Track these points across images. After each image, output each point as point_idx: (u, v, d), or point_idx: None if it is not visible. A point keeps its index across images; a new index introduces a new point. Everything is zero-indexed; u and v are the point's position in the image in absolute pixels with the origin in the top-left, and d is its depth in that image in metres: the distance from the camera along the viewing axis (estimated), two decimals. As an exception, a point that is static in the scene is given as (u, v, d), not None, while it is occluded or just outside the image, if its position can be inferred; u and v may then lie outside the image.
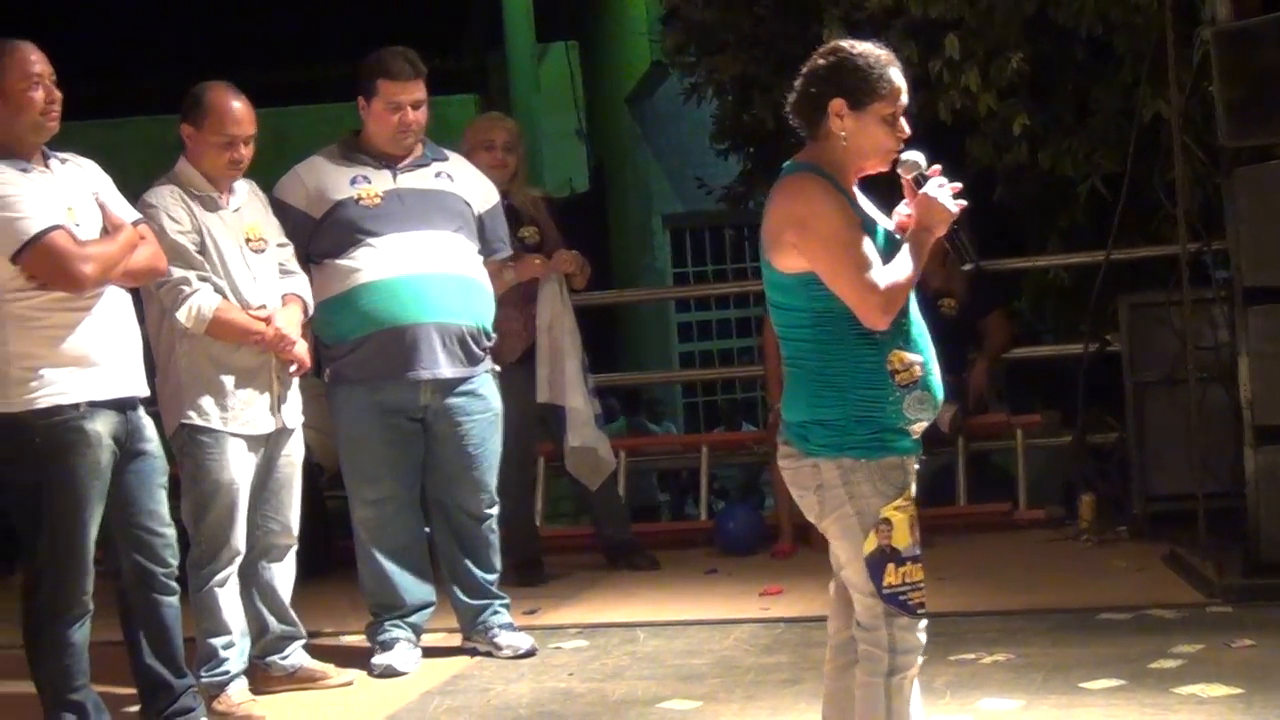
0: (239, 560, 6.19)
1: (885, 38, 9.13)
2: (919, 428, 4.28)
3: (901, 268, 4.22)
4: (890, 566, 4.20)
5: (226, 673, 6.14)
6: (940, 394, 4.31)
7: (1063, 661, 6.07)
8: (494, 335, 6.85)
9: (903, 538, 4.21)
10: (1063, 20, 9.34)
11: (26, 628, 5.54)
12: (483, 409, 6.77)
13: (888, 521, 4.20)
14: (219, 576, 6.12)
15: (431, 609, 6.84)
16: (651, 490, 14.63)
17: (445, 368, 6.61)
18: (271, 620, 6.38)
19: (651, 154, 18.55)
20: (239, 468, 6.14)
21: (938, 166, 4.36)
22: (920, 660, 4.31)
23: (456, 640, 6.92)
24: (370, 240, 6.55)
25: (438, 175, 6.80)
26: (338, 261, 6.58)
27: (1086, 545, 8.44)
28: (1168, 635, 6.34)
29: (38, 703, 5.57)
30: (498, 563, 6.91)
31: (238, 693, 6.15)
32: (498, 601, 6.85)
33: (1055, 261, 9.94)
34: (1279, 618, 6.47)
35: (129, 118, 15.82)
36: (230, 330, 6.11)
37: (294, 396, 6.36)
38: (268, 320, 6.17)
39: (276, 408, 6.24)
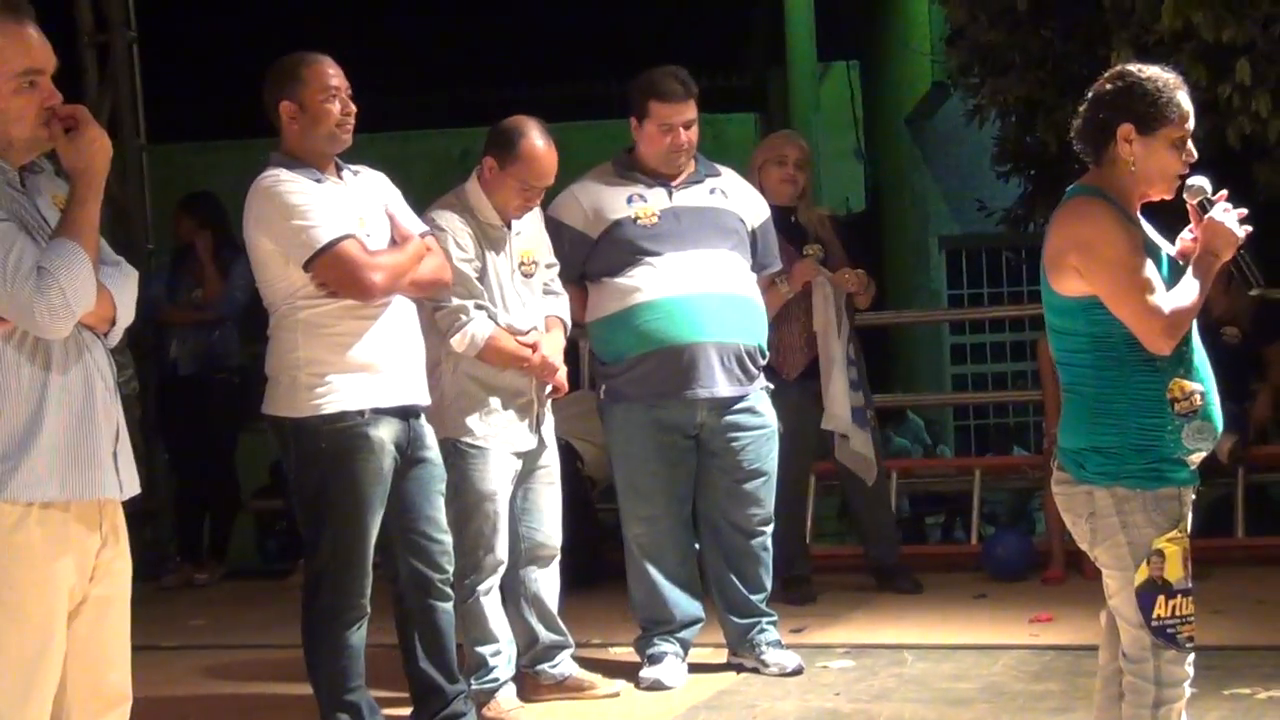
0: (502, 570, 6.27)
1: (1174, 61, 9.06)
2: (1197, 458, 4.21)
3: (1186, 292, 4.16)
4: (1160, 599, 4.15)
5: (496, 680, 6.23)
6: (1220, 424, 4.24)
7: (1344, 700, 5.93)
8: (768, 353, 6.86)
9: (1175, 570, 4.15)
10: (1358, 44, 9.13)
11: (306, 628, 5.66)
12: (759, 426, 6.78)
13: (1160, 553, 4.14)
14: (483, 586, 6.21)
15: (700, 625, 6.87)
16: (919, 512, 14.54)
17: (722, 386, 6.62)
18: (541, 629, 6.45)
19: (930, 175, 18.43)
20: (501, 479, 6.23)
21: (1224, 192, 4.29)
22: (1188, 694, 4.24)
23: (723, 656, 6.92)
24: (648, 259, 6.59)
25: (711, 192, 6.81)
26: (616, 280, 6.64)
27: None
28: None
29: (314, 702, 5.70)
30: (768, 581, 6.91)
31: (506, 700, 6.23)
32: (765, 619, 6.85)
33: (1345, 291, 9.70)
34: None
35: (416, 131, 16.11)
36: (500, 356, 6.22)
37: (549, 416, 6.47)
38: (534, 347, 6.27)
39: (536, 427, 6.34)
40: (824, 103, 18.95)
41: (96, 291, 3.95)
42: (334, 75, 5.64)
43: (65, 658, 3.97)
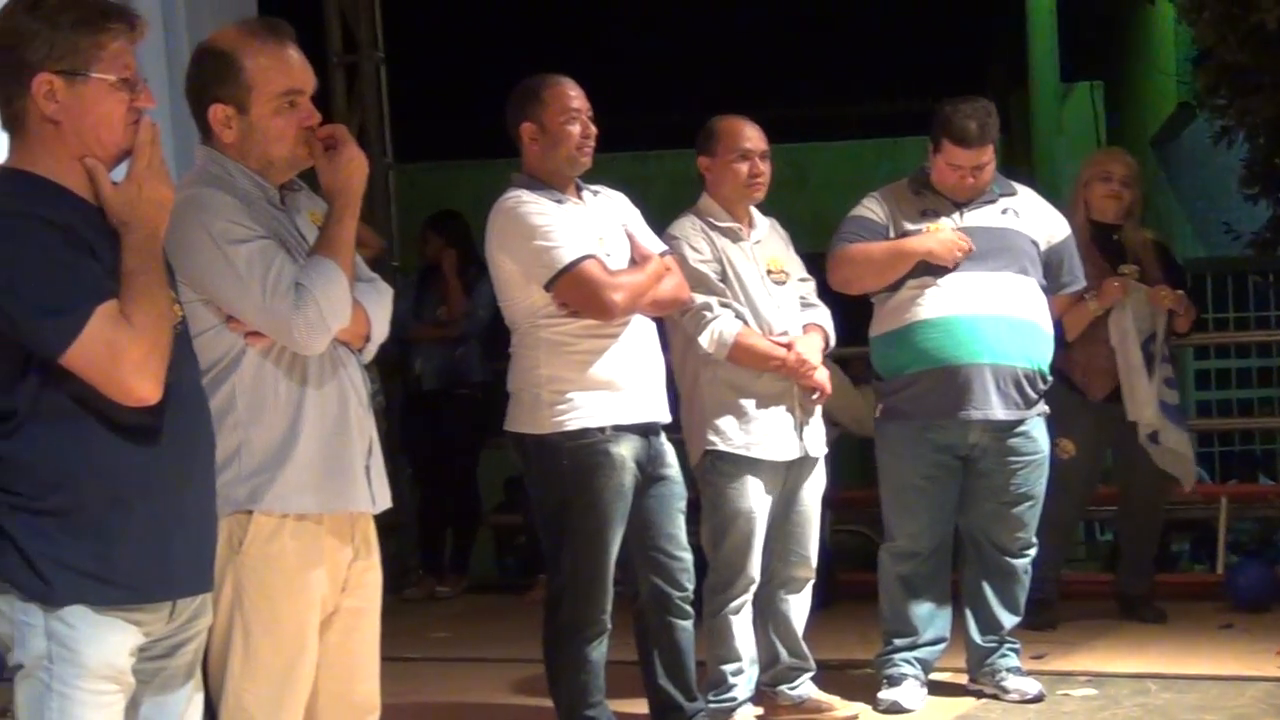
0: (754, 588, 6.27)
1: None
2: None
3: None
4: None
5: (734, 699, 6.23)
6: None
7: None
8: (1050, 378, 6.75)
9: None
10: None
11: (547, 643, 5.71)
12: (1033, 451, 6.69)
13: None
14: (734, 604, 6.22)
15: (944, 645, 6.81)
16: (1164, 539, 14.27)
17: (997, 409, 6.54)
18: (783, 651, 6.44)
19: (1175, 198, 18.15)
20: (759, 497, 6.23)
21: None
22: None
23: (962, 679, 6.87)
24: (931, 277, 6.54)
25: (1004, 212, 6.72)
26: (898, 296, 6.60)
27: None
28: None
29: (554, 717, 5.75)
30: (1022, 606, 6.84)
31: (743, 718, 6.24)
32: (1008, 644, 6.78)
33: None
34: None
35: (654, 151, 16.19)
36: (751, 356, 6.20)
37: (817, 425, 6.41)
38: (789, 346, 6.25)
39: (799, 433, 6.31)
40: (1067, 124, 18.71)
41: (352, 308, 4.03)
42: (575, 97, 5.70)
43: (317, 667, 4.05)
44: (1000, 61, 18.96)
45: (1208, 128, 12.27)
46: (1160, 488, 8.42)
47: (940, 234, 6.51)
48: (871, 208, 6.72)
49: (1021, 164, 17.40)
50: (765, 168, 6.35)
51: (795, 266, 6.53)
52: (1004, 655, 6.75)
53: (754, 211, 6.48)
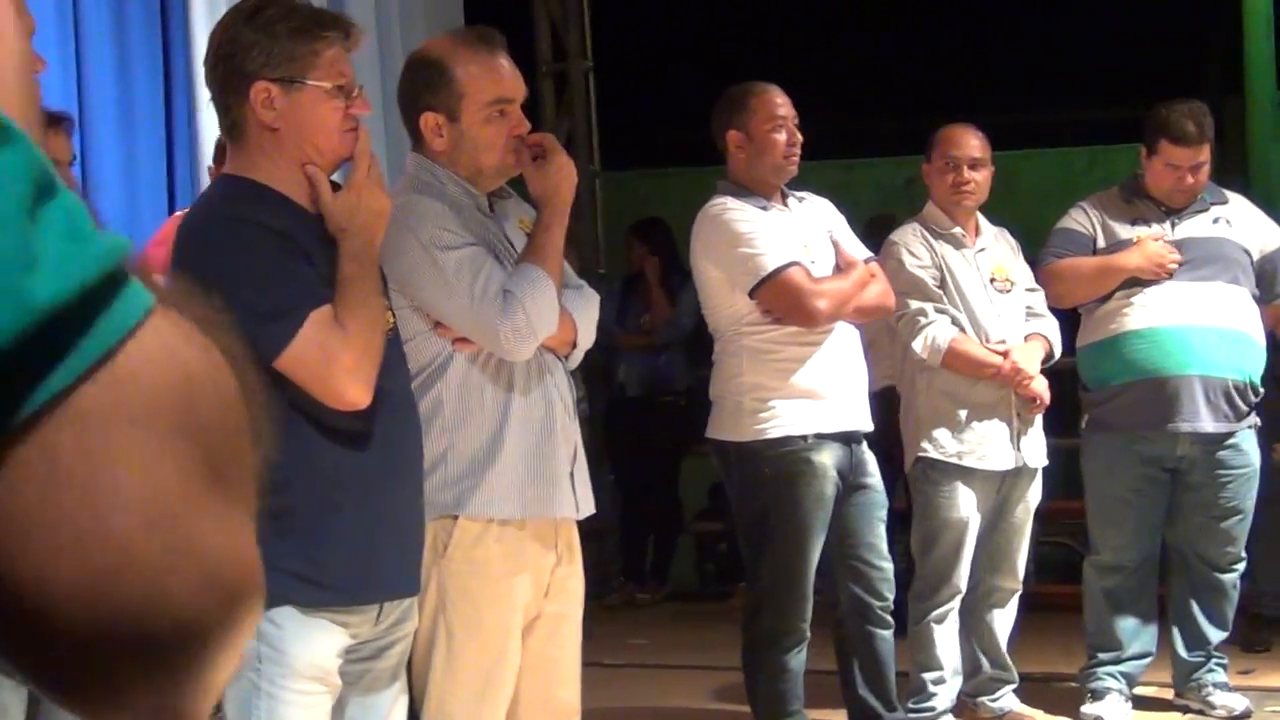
0: (959, 598, 6.25)
1: None
2: None
3: None
4: None
5: (933, 709, 6.21)
6: None
7: None
8: (1261, 390, 6.65)
9: None
10: None
11: (746, 650, 5.74)
12: (1243, 464, 6.59)
13: None
14: (937, 612, 6.21)
15: (1149, 660, 6.73)
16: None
17: (1206, 421, 6.46)
18: (985, 662, 6.42)
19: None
20: (969, 507, 6.21)
21: None
22: None
23: (1168, 694, 6.79)
24: (1141, 287, 6.48)
25: (1215, 221, 6.63)
26: (1106, 306, 6.55)
27: None
28: None
29: (754, 723, 5.77)
30: (1229, 621, 6.75)
31: (943, 728, 6.24)
32: (1215, 659, 6.68)
33: None
34: None
35: (862, 159, 16.14)
36: (966, 362, 6.19)
37: (1037, 435, 6.37)
38: (1005, 354, 6.22)
39: (1016, 444, 6.27)
40: (1286, 131, 18.40)
41: (559, 315, 4.07)
42: (781, 105, 5.71)
43: (519, 672, 4.09)
44: (1215, 68, 18.67)
45: None
46: None
47: (1147, 248, 6.43)
48: (1079, 219, 6.67)
49: (1236, 173, 17.04)
50: (976, 175, 6.33)
51: (1023, 276, 6.50)
52: (1211, 670, 6.66)
53: (981, 219, 6.46)
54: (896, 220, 7.28)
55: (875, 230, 7.86)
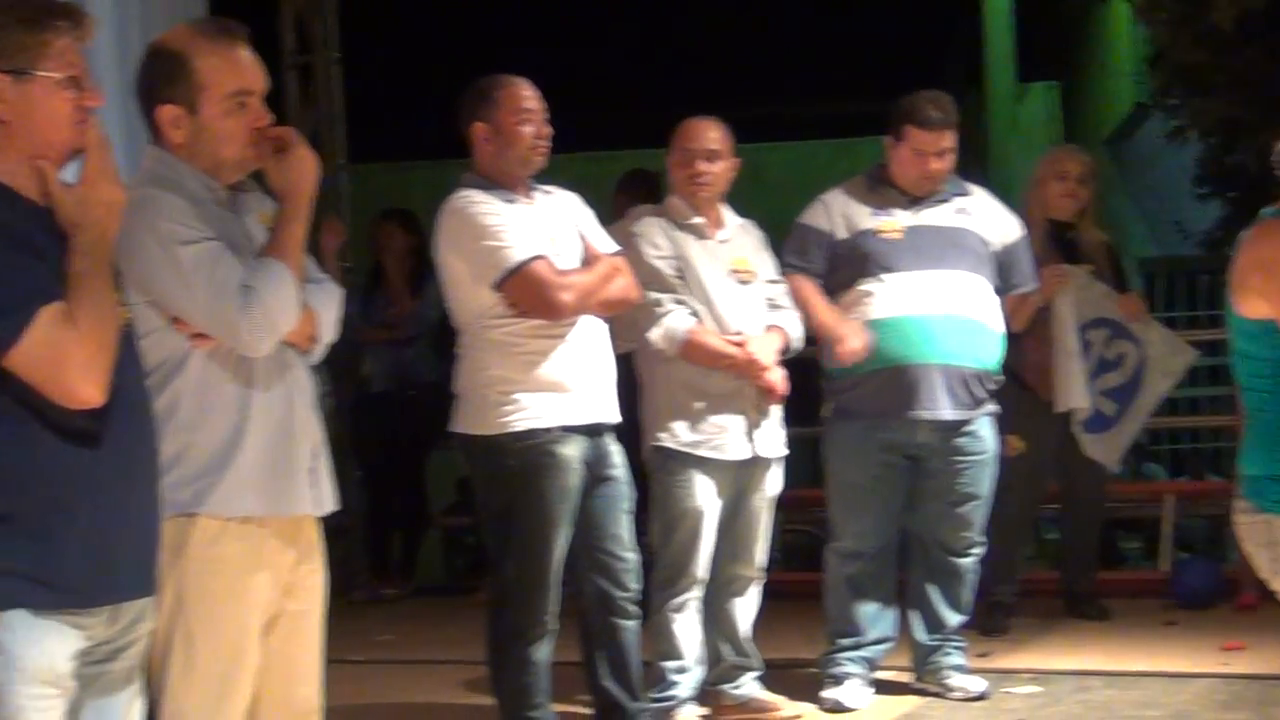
0: (699, 588, 6.30)
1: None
2: None
3: None
4: None
5: (674, 698, 6.25)
6: None
7: None
8: (999, 378, 6.81)
9: None
10: None
11: (491, 645, 5.74)
12: (980, 450, 6.74)
13: None
14: (676, 601, 6.25)
15: (889, 645, 6.85)
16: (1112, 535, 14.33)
17: (946, 409, 6.59)
18: (727, 650, 6.47)
19: (1129, 196, 18.24)
20: (706, 496, 6.26)
21: None
22: None
23: (907, 678, 6.91)
24: (884, 275, 6.58)
25: (958, 211, 6.77)
26: (848, 295, 6.64)
27: None
28: None
29: (498, 717, 5.76)
30: (968, 605, 6.89)
31: (685, 718, 6.27)
32: (953, 643, 6.82)
33: None
34: None
35: (610, 151, 16.19)
36: (702, 353, 6.23)
37: (773, 426, 6.43)
38: (741, 345, 6.27)
39: (752, 434, 6.32)
40: (1022, 124, 18.81)
41: (300, 310, 4.03)
42: (529, 97, 5.71)
43: (259, 671, 4.05)
44: (956, 62, 19.05)
45: (1161, 128, 12.35)
46: (1100, 484, 8.51)
47: (851, 343, 6.47)
48: (817, 217, 6.75)
49: (977, 164, 17.47)
50: (712, 167, 6.37)
51: (765, 268, 6.55)
52: (949, 654, 6.80)
53: (726, 210, 6.51)
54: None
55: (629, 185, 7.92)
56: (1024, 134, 18.63)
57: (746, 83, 16.51)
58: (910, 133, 6.64)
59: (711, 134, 6.42)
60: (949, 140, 6.67)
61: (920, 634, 6.82)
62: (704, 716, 6.39)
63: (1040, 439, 8.00)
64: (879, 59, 16.30)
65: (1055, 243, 8.05)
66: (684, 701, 6.28)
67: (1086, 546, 8.57)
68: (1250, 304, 4.18)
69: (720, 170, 6.41)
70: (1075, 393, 7.99)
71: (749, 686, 6.52)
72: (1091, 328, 8.11)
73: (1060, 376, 7.98)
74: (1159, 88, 11.99)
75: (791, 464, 6.74)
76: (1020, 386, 7.83)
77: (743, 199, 6.74)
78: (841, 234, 6.67)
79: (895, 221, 6.66)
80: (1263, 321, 4.16)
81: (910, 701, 6.73)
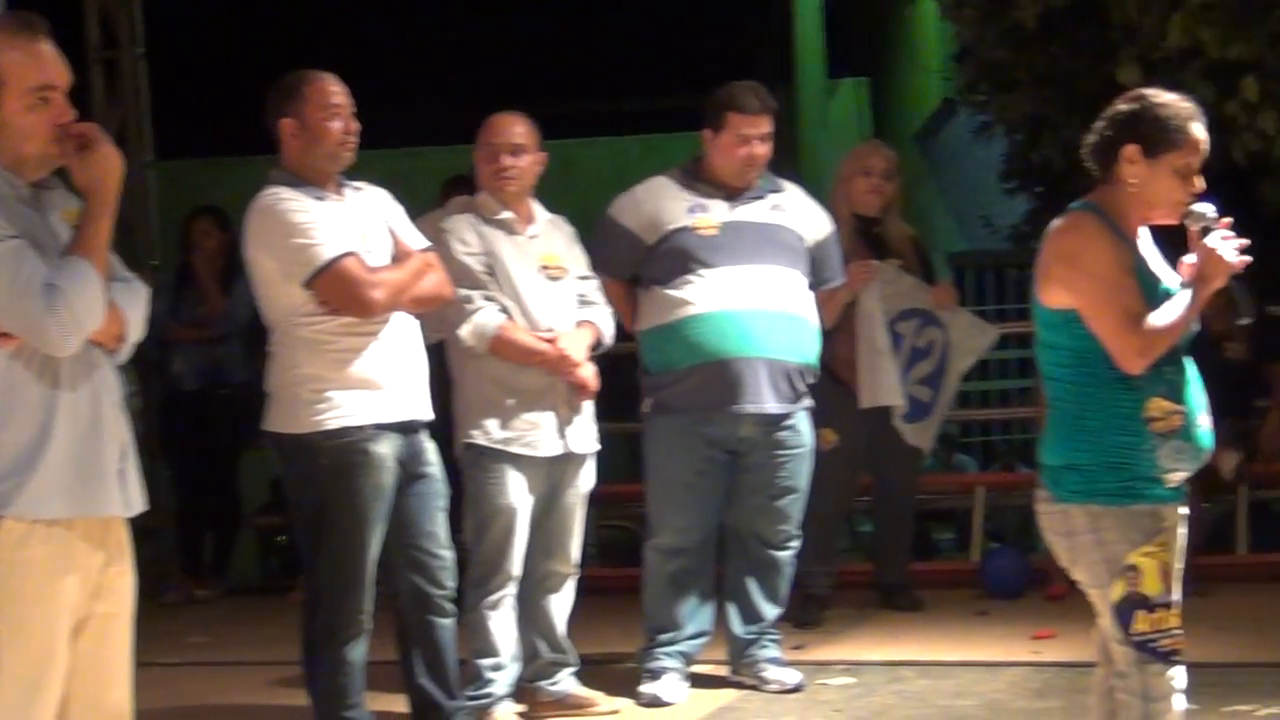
0: (514, 585, 6.28)
1: (1181, 79, 9.08)
2: (1176, 477, 4.24)
3: (1166, 315, 4.19)
4: (1140, 614, 4.20)
5: (490, 695, 6.23)
6: (1206, 445, 4.26)
7: (1343, 719, 5.94)
8: (819, 372, 6.86)
9: (1153, 584, 4.20)
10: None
11: (305, 645, 5.68)
12: (799, 444, 6.79)
13: (1135, 568, 4.19)
14: (491, 599, 6.23)
15: (706, 639, 6.87)
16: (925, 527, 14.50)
17: (769, 403, 6.62)
18: (543, 646, 6.46)
19: (938, 191, 18.45)
20: (519, 493, 6.24)
21: (1227, 219, 4.29)
22: (1181, 708, 4.26)
23: (724, 671, 6.93)
24: (702, 271, 6.60)
25: (773, 208, 6.81)
26: (668, 291, 6.64)
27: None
28: None
29: (313, 718, 5.71)
30: (784, 598, 6.93)
31: (503, 714, 6.25)
32: (768, 636, 6.86)
33: (1350, 308, 9.70)
34: None
35: (421, 147, 16.13)
36: (513, 349, 6.22)
37: (585, 422, 6.43)
38: (552, 341, 6.27)
39: (562, 431, 6.32)
40: (832, 119, 18.97)
41: (106, 308, 3.97)
42: (336, 93, 5.67)
43: (68, 674, 3.98)
44: (767, 58, 19.16)
45: (968, 123, 12.50)
46: (912, 476, 8.62)
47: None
48: (629, 213, 6.76)
49: (788, 159, 17.58)
50: (518, 161, 6.35)
51: (576, 264, 6.54)
52: (764, 646, 6.83)
53: (536, 206, 6.49)
54: None
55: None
56: (834, 130, 18.80)
57: (557, 78, 16.51)
58: (732, 119, 6.67)
59: (517, 128, 6.41)
60: (769, 126, 6.72)
61: (737, 627, 6.85)
62: (521, 713, 6.37)
63: (853, 432, 8.08)
64: (690, 55, 16.36)
65: (862, 237, 8.14)
66: (500, 699, 6.26)
67: (899, 538, 8.66)
68: (1053, 294, 4.27)
69: (527, 165, 6.40)
70: (884, 389, 8.07)
71: (566, 682, 6.52)
72: (901, 319, 8.21)
73: (867, 373, 8.06)
74: (966, 84, 12.14)
75: (606, 459, 6.74)
76: (833, 381, 7.90)
77: (554, 195, 6.73)
78: (652, 237, 6.69)
79: (711, 218, 6.68)
80: (1064, 311, 4.24)
81: (727, 694, 6.75)
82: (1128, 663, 4.24)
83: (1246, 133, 9.29)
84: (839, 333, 7.84)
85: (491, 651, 6.24)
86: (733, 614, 6.86)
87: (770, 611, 6.85)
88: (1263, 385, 9.25)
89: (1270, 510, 9.83)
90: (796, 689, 6.71)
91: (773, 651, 6.85)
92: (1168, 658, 4.22)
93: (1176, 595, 4.25)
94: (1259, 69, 9.26)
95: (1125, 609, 4.20)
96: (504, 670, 6.27)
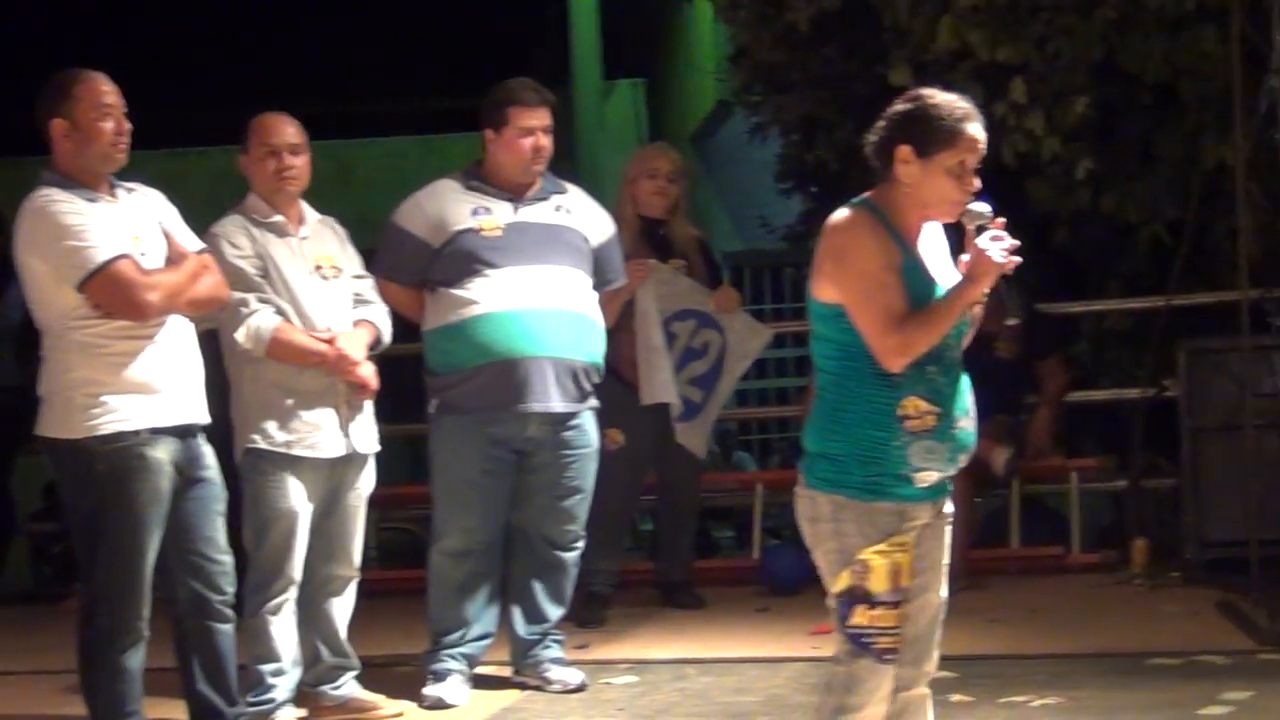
0: (294, 589, 6.23)
1: (951, 80, 9.24)
2: (927, 477, 4.31)
3: (929, 315, 4.26)
4: (860, 608, 4.26)
5: (272, 700, 6.18)
6: (964, 446, 4.35)
7: (1112, 706, 6.07)
8: (604, 371, 6.87)
9: (879, 583, 4.25)
10: (1129, 66, 9.33)
11: (81, 652, 5.59)
12: (585, 444, 6.80)
13: (865, 564, 4.24)
14: (272, 603, 6.17)
15: (489, 640, 6.86)
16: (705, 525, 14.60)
17: (556, 402, 6.62)
18: (325, 651, 6.40)
19: (714, 192, 18.56)
20: (299, 497, 6.19)
21: (1001, 220, 4.37)
22: (880, 712, 4.34)
23: (507, 672, 6.92)
24: (488, 272, 6.58)
25: (557, 209, 6.81)
26: (453, 291, 6.61)
27: (1139, 589, 8.42)
28: (1218, 681, 6.32)
29: (91, 727, 5.63)
30: (568, 598, 6.93)
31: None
32: (551, 636, 6.86)
33: (1114, 306, 9.92)
34: (1332, 667, 6.45)
35: (195, 148, 15.94)
36: (290, 351, 6.16)
37: (366, 422, 6.39)
38: (330, 342, 6.22)
39: (345, 431, 6.28)
40: (609, 121, 19.00)
41: None
42: (108, 92, 5.59)
43: None
44: (543, 59, 19.16)
45: (744, 125, 12.58)
46: (694, 475, 8.68)
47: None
48: (414, 218, 6.73)
49: (564, 160, 17.59)
50: (296, 161, 6.31)
51: (350, 263, 6.49)
52: (547, 647, 6.84)
53: (305, 207, 6.43)
54: None
55: None
56: (610, 131, 18.83)
57: (334, 78, 16.41)
58: (513, 114, 6.68)
59: (290, 128, 6.37)
60: (549, 118, 6.74)
61: (520, 628, 6.84)
62: (302, 718, 6.31)
63: (639, 432, 8.13)
64: (465, 56, 16.34)
65: (647, 239, 8.19)
66: (282, 704, 6.20)
67: (681, 537, 8.71)
68: (823, 289, 4.35)
69: (304, 164, 6.37)
70: (660, 386, 8.13)
71: (349, 686, 6.47)
72: (677, 319, 8.27)
73: (645, 370, 8.12)
74: (740, 85, 12.19)
75: (387, 461, 6.71)
76: (618, 381, 7.95)
77: (331, 197, 6.70)
78: (438, 240, 6.66)
79: (495, 219, 6.68)
80: (832, 306, 4.32)
81: (510, 695, 6.74)
82: (842, 652, 4.32)
83: (1015, 133, 9.45)
84: (622, 333, 7.89)
85: (272, 657, 6.18)
86: (517, 615, 6.85)
87: (554, 612, 6.85)
88: (1033, 382, 9.44)
89: (1041, 504, 10.03)
90: (579, 689, 6.71)
91: (556, 652, 6.86)
92: (880, 655, 4.28)
93: (902, 596, 4.31)
94: (1026, 71, 9.43)
95: (847, 600, 4.27)
96: (285, 675, 6.21)
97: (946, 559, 4.48)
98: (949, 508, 4.45)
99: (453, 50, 16.79)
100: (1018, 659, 6.89)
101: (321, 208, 6.55)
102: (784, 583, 8.74)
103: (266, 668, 6.18)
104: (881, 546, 4.24)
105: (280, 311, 6.19)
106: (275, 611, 6.18)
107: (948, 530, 4.47)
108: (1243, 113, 7.48)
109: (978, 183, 4.34)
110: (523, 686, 6.82)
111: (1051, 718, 5.98)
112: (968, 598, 7.57)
